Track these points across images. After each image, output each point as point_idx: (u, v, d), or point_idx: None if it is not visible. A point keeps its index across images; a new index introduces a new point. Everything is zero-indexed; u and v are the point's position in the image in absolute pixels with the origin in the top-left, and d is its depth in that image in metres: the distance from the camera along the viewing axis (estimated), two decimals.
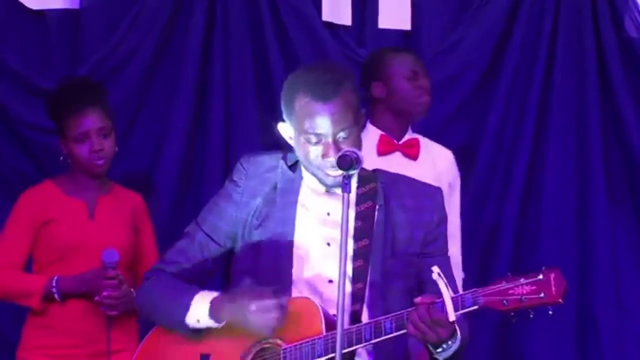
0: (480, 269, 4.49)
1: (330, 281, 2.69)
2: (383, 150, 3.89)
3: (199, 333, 2.71)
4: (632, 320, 4.50)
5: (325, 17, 4.44)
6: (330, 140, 2.63)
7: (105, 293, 3.48)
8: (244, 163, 2.80)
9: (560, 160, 4.46)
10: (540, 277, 2.43)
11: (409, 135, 3.96)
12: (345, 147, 2.60)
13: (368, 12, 4.51)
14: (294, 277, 2.70)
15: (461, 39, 4.51)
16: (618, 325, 4.49)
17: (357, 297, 2.65)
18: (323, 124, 2.62)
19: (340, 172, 2.54)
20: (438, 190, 2.84)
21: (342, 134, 2.63)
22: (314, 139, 2.64)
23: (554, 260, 4.43)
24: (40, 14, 4.28)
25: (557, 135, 4.49)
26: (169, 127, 4.36)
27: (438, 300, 2.48)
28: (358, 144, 2.68)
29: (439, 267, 2.54)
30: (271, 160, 2.80)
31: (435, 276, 2.47)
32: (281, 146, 2.86)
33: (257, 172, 2.78)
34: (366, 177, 2.78)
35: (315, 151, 2.66)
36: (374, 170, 2.84)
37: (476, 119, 4.56)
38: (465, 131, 4.53)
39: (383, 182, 2.78)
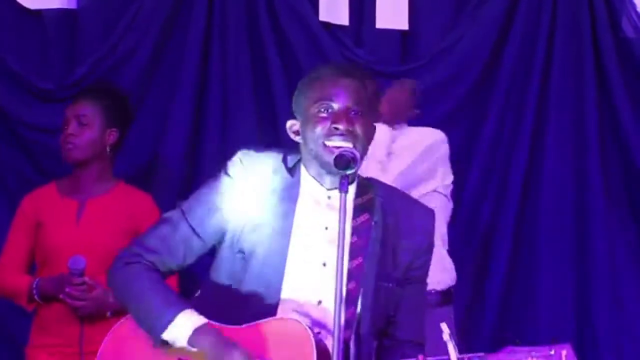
0: (477, 271, 4.49)
1: (320, 302, 2.54)
2: None
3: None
4: (630, 320, 4.49)
5: (323, 17, 4.45)
6: (342, 108, 2.55)
7: (67, 289, 3.48)
8: (242, 158, 2.60)
9: (557, 160, 4.45)
10: (552, 352, 2.35)
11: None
12: (357, 125, 2.53)
13: (365, 12, 4.51)
14: (282, 294, 2.53)
15: (459, 38, 4.51)
16: (616, 326, 4.47)
17: (347, 324, 2.51)
18: (339, 92, 2.55)
19: (345, 144, 2.48)
20: (431, 213, 2.71)
21: (355, 109, 2.55)
22: (325, 110, 2.55)
23: (551, 260, 4.45)
24: (38, 14, 4.31)
25: (554, 135, 4.48)
26: (167, 127, 4.38)
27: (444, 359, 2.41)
28: (367, 134, 2.58)
29: (415, 293, 2.59)
30: (270, 160, 2.61)
31: (445, 337, 2.37)
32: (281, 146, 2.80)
33: (255, 170, 2.58)
34: (364, 186, 2.64)
35: (324, 123, 2.54)
36: (368, 179, 2.71)
37: (474, 119, 4.56)
38: (463, 130, 4.51)
39: (381, 195, 2.65)
